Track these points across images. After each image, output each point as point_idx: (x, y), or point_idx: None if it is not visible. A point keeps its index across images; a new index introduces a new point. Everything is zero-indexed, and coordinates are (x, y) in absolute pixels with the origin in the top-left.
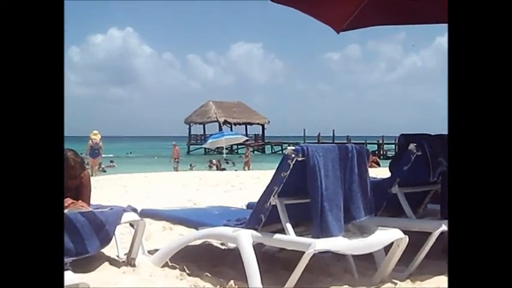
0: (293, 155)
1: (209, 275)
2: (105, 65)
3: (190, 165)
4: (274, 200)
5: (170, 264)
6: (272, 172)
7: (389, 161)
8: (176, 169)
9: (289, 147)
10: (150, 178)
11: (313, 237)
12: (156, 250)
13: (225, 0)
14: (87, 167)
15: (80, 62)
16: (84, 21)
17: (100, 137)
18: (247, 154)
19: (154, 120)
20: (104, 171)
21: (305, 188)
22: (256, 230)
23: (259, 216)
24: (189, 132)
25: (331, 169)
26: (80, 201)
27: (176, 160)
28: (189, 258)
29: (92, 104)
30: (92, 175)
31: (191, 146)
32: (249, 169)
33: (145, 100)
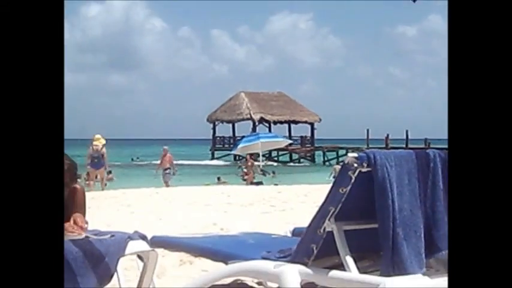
0: (355, 165)
1: None
2: (101, 44)
3: (218, 178)
4: (329, 225)
5: None
6: (325, 187)
7: None
8: (167, 184)
9: (349, 154)
10: (163, 194)
11: (382, 274)
12: None
13: None
14: (85, 180)
15: (69, 40)
16: None
17: (104, 142)
18: (249, 163)
19: (165, 117)
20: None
21: (372, 209)
22: (305, 264)
23: (310, 246)
24: (213, 133)
25: (407, 183)
26: (71, 222)
27: (167, 171)
28: None
29: (84, 96)
30: (102, 189)
31: (216, 152)
32: (251, 183)
33: (155, 91)
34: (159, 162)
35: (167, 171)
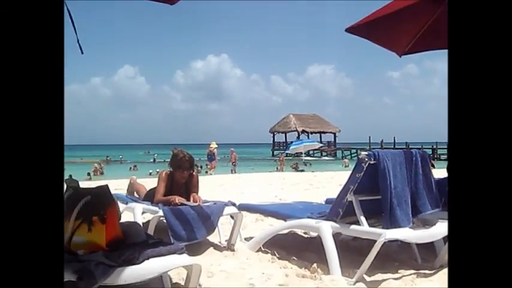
0: (366, 159)
1: (295, 258)
2: (203, 85)
3: (276, 168)
4: (350, 197)
5: (263, 249)
6: (343, 173)
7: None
8: (234, 171)
9: (363, 153)
10: (243, 178)
11: (383, 228)
12: (251, 238)
13: (301, 29)
14: (202, 168)
15: (183, 83)
16: (187, 50)
17: (216, 146)
18: (281, 158)
19: (241, 129)
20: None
21: (377, 187)
22: (335, 221)
23: (338, 210)
24: (273, 140)
25: (399, 170)
26: (193, 195)
27: (233, 163)
28: (278, 245)
29: (192, 117)
30: (211, 174)
31: (275, 151)
32: (282, 171)
33: (235, 113)
34: (229, 158)
35: (234, 164)
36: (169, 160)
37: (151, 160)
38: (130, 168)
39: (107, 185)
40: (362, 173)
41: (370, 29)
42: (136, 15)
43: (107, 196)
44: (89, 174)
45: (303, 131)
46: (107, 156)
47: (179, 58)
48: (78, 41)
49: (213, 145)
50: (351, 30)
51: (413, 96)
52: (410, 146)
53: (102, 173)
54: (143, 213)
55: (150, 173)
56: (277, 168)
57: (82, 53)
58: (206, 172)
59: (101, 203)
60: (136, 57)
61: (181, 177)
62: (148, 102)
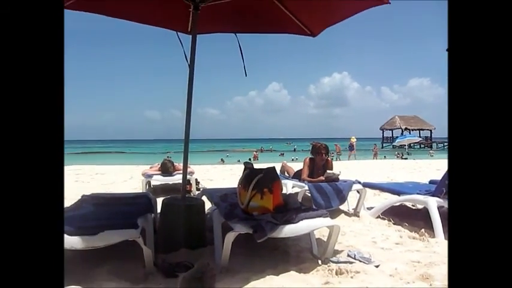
0: None
1: (407, 224)
2: (329, 95)
3: (384, 156)
4: None
5: (381, 216)
6: (437, 161)
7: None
8: (339, 158)
9: None
10: (361, 163)
11: None
12: (372, 207)
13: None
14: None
15: (315, 93)
16: (316, 69)
17: (355, 140)
18: (375, 149)
19: (358, 128)
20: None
21: None
22: (439, 197)
23: (442, 188)
24: (382, 135)
25: None
26: (327, 172)
27: (338, 153)
28: (393, 214)
29: (321, 119)
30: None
31: (384, 144)
32: (376, 159)
33: (353, 116)
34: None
35: (339, 153)
36: (307, 149)
37: (293, 150)
38: (279, 154)
39: (273, 167)
40: None
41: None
42: (282, 45)
43: (273, 174)
44: (222, 159)
45: (406, 129)
46: (261, 147)
47: (311, 76)
48: (244, 67)
49: (353, 139)
50: None
51: None
52: None
53: (257, 159)
54: (293, 187)
55: (293, 159)
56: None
57: (246, 75)
58: (337, 158)
59: (270, 178)
60: (281, 76)
61: (320, 161)
62: (289, 108)
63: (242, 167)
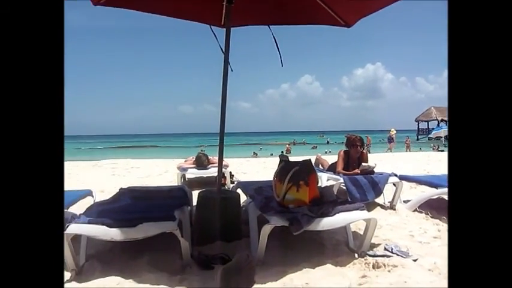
0: None
1: (445, 218)
2: (363, 87)
3: (420, 148)
4: None
5: (418, 210)
6: None
7: None
8: (369, 151)
9: None
10: (396, 156)
11: None
12: (408, 200)
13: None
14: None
15: (347, 85)
16: (350, 60)
17: (395, 132)
18: (407, 141)
19: (392, 120)
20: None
21: None
22: None
23: None
24: (418, 127)
25: None
26: (362, 165)
27: (368, 146)
28: (430, 207)
29: (355, 112)
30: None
31: (419, 136)
32: (409, 151)
33: (387, 107)
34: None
35: (368, 146)
36: (340, 142)
37: (326, 142)
38: (311, 147)
39: (309, 160)
40: None
41: None
42: (313, 37)
43: (309, 167)
44: (254, 153)
45: (442, 120)
46: (294, 140)
47: (344, 67)
48: (280, 57)
49: (393, 131)
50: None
51: None
52: None
53: (290, 152)
54: (327, 180)
55: (326, 152)
56: (407, 150)
57: (282, 65)
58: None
59: (306, 171)
60: (313, 68)
61: (355, 153)
62: (322, 101)
63: (275, 160)
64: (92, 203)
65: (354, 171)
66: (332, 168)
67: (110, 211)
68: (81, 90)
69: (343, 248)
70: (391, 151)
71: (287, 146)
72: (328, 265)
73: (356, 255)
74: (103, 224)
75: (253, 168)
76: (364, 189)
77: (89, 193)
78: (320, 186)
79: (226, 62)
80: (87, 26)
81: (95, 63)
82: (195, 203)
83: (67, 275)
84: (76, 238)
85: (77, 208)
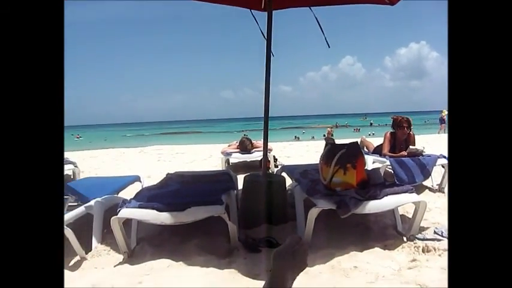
0: None
1: None
2: (407, 66)
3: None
4: None
5: None
6: None
7: None
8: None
9: None
10: (443, 137)
11: None
12: None
13: None
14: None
15: (391, 66)
16: (393, 39)
17: (447, 113)
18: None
19: (439, 100)
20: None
21: None
22: None
23: None
24: None
25: None
26: (410, 147)
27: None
28: None
29: (399, 92)
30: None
31: None
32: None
33: (433, 88)
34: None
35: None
36: (383, 124)
37: (369, 124)
38: (354, 130)
39: (357, 142)
40: None
41: None
42: (354, 17)
43: (356, 149)
44: (296, 136)
45: None
46: (336, 123)
47: (386, 47)
48: (325, 38)
49: (444, 112)
50: None
51: None
52: None
53: (331, 135)
54: (373, 162)
55: (369, 134)
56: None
57: (329, 46)
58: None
59: (353, 154)
60: (355, 49)
61: (401, 135)
62: (364, 82)
63: (317, 143)
64: (140, 188)
65: (401, 153)
66: (377, 151)
67: (159, 196)
68: (125, 79)
69: (392, 232)
70: (444, 132)
71: (328, 129)
72: (377, 248)
73: (405, 238)
74: (153, 209)
75: (296, 151)
76: (412, 171)
77: (137, 179)
78: (367, 169)
79: (269, 47)
80: (130, 15)
81: (138, 50)
82: (240, 187)
83: (119, 257)
84: (127, 222)
85: (127, 193)
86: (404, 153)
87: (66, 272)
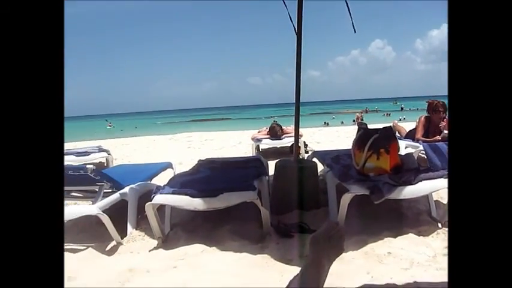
0: None
1: None
2: (438, 49)
3: None
4: None
5: None
6: None
7: None
8: None
9: None
10: None
11: None
12: None
13: None
14: None
15: (422, 48)
16: (424, 20)
17: None
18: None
19: None
20: None
21: None
22: None
23: None
24: None
25: None
26: (444, 132)
27: None
28: None
29: (430, 76)
30: None
31: None
32: None
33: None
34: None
35: None
36: (415, 109)
37: (400, 109)
38: (384, 115)
39: (390, 127)
40: None
41: None
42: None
43: (390, 134)
44: (325, 122)
45: None
46: (366, 107)
47: (417, 29)
48: (352, 23)
49: None
50: None
51: None
52: None
53: (362, 120)
54: (406, 147)
55: (400, 119)
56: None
57: (355, 31)
58: None
59: (386, 139)
60: (384, 32)
61: (437, 119)
62: (394, 66)
63: (348, 129)
64: (173, 174)
65: (435, 138)
66: (410, 135)
67: (191, 182)
68: (158, 68)
69: (426, 218)
70: None
71: (357, 114)
72: (411, 234)
73: (440, 225)
74: (186, 195)
75: (326, 137)
76: (446, 156)
77: (169, 165)
78: (400, 154)
79: (300, 33)
80: (162, 8)
81: (166, 40)
82: (271, 172)
83: (154, 242)
84: (161, 208)
85: (160, 180)
86: (438, 137)
87: (103, 257)
